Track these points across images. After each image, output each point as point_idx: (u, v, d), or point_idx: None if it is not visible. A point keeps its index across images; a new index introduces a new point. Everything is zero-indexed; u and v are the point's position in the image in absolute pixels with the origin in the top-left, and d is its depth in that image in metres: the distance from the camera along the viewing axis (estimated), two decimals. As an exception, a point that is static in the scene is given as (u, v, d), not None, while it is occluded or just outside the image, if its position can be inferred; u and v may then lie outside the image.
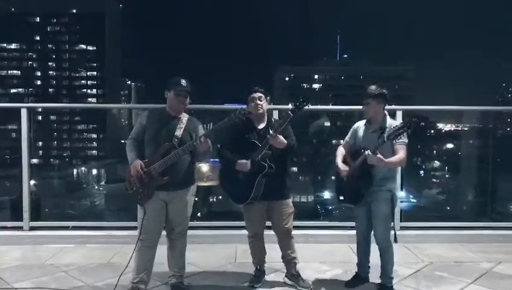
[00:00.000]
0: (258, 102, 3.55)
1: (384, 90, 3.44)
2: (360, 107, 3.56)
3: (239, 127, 3.47)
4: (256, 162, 3.41)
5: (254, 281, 3.68)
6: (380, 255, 3.54)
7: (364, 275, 3.68)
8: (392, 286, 3.56)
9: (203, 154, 3.40)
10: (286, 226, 3.61)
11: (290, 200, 3.68)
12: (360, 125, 3.64)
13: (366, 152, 3.23)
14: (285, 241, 3.65)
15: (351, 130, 3.69)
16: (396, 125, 3.21)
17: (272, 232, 3.70)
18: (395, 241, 3.51)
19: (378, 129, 3.39)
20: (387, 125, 3.40)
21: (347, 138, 3.69)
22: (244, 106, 3.51)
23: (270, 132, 3.37)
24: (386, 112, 3.51)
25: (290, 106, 3.47)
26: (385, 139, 3.23)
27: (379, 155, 3.20)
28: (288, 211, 3.62)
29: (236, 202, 3.66)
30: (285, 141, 3.40)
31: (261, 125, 3.59)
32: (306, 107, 3.35)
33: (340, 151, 3.63)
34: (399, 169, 4.71)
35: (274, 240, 3.69)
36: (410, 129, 3.15)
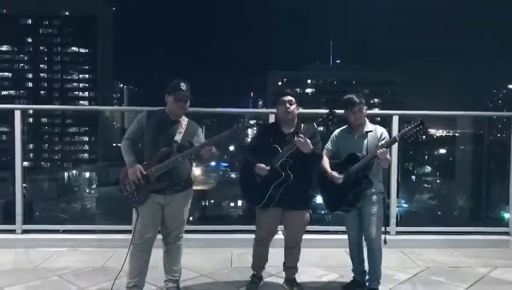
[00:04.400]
0: (288, 106, 3.40)
1: None
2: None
3: (265, 129, 3.38)
4: (275, 168, 3.30)
5: (251, 288, 3.63)
6: (371, 259, 3.50)
7: (361, 280, 3.65)
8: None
9: (206, 160, 3.36)
10: (297, 237, 3.56)
11: (306, 212, 3.54)
12: (340, 132, 3.63)
13: (379, 151, 3.22)
14: (293, 251, 3.60)
15: (332, 137, 3.66)
16: (410, 124, 3.21)
17: (275, 237, 3.66)
18: (385, 243, 3.49)
19: (365, 133, 3.47)
20: (370, 129, 3.48)
21: (329, 146, 3.65)
22: (243, 110, 3.46)
23: (296, 137, 3.20)
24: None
25: (326, 111, 3.28)
26: (397, 139, 3.27)
27: (388, 155, 3.26)
28: (303, 223, 3.53)
29: (249, 204, 3.63)
30: (311, 146, 3.22)
31: (288, 130, 3.43)
32: (331, 121, 3.21)
33: (326, 160, 3.56)
34: (395, 175, 4.76)
35: (273, 245, 3.65)
36: (424, 126, 3.14)
